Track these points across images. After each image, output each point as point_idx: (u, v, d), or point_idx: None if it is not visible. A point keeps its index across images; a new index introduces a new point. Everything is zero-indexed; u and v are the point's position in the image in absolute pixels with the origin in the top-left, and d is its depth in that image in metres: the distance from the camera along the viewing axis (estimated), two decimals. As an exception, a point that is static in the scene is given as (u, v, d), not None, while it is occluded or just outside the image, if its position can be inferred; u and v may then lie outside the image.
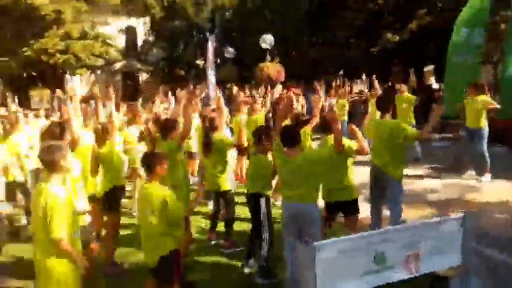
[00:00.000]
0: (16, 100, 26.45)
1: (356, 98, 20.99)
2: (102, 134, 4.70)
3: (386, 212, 5.22)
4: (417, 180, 7.94)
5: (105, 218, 4.92)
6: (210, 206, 6.49)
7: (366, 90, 10.46)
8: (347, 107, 11.88)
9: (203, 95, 26.27)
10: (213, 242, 5.53)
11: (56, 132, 4.08)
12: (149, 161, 3.64)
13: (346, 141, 4.40)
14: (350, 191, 4.60)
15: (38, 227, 3.03)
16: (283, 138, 4.03)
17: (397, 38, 15.54)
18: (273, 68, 12.99)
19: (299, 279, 3.37)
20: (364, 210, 6.16)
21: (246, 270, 4.69)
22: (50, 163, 3.05)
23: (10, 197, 6.05)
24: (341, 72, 24.21)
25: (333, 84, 25.74)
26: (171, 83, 26.81)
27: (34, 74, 24.51)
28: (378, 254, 3.54)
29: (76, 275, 3.09)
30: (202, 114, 7.41)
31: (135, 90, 28.86)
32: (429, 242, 3.64)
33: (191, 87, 28.24)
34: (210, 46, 13.78)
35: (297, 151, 3.99)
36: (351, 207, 4.63)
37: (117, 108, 9.24)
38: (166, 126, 4.76)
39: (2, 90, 28.60)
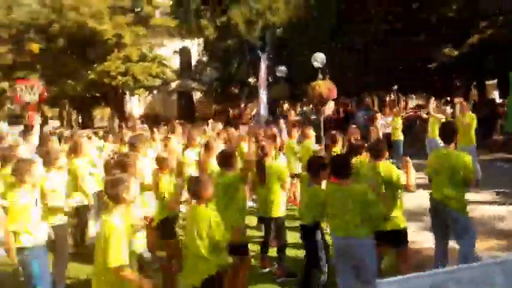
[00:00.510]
0: (80, 119, 27.86)
1: (411, 113, 20.27)
2: (163, 163, 4.83)
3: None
4: (479, 206, 7.38)
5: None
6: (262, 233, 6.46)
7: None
8: (401, 125, 11.46)
9: (253, 112, 26.41)
10: (266, 270, 5.47)
11: (122, 163, 4.23)
12: (194, 187, 3.66)
13: (395, 173, 4.30)
14: (398, 220, 4.40)
15: (98, 259, 3.13)
16: (335, 167, 3.90)
17: (456, 52, 14.86)
18: (324, 86, 12.85)
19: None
20: (424, 239, 5.91)
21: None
22: (113, 196, 3.19)
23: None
24: (395, 87, 23.53)
25: (387, 99, 24.97)
26: (224, 102, 27.48)
27: (97, 94, 26.07)
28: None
29: None
30: (255, 136, 7.48)
31: (190, 109, 29.79)
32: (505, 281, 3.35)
33: (242, 105, 28.59)
34: (263, 65, 13.94)
35: (348, 181, 3.88)
36: (400, 238, 4.42)
37: (172, 130, 9.58)
38: (226, 157, 4.70)
39: (67, 110, 30.66)
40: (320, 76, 13.01)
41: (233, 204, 4.41)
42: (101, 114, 35.30)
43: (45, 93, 10.37)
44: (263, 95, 13.45)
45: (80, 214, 6.18)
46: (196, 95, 30.89)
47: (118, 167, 4.24)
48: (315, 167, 4.49)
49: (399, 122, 11.52)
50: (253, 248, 6.08)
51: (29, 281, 3.77)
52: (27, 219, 3.74)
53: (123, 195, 3.17)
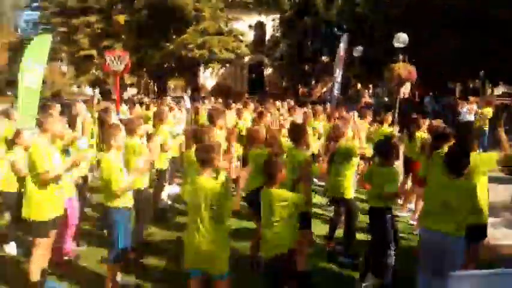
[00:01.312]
0: (156, 88, 29.13)
1: (498, 102, 18.72)
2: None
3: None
4: None
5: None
6: (331, 213, 6.46)
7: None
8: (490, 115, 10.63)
9: (323, 90, 25.89)
10: (331, 249, 5.49)
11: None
12: (270, 170, 3.68)
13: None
14: (482, 214, 4.18)
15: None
16: (451, 163, 3.68)
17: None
18: (404, 68, 12.28)
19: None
20: (501, 236, 5.57)
21: (363, 285, 4.55)
22: (205, 160, 3.49)
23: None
24: (481, 73, 21.79)
25: (470, 86, 23.25)
26: (294, 79, 27.31)
27: (173, 65, 27.10)
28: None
29: None
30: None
31: (260, 84, 30.00)
32: None
33: (313, 83, 28.16)
34: (342, 44, 13.54)
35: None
36: (481, 233, 4.21)
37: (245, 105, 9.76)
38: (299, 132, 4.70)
39: (145, 79, 32.26)
40: (400, 57, 12.44)
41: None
42: (175, 85, 36.73)
43: (130, 65, 10.94)
44: (338, 75, 13.13)
45: (159, 177, 6.57)
46: (268, 71, 30.96)
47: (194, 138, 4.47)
48: (387, 148, 4.38)
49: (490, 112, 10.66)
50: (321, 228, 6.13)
51: (112, 238, 4.09)
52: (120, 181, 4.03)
53: (215, 160, 3.51)
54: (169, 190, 7.54)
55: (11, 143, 5.10)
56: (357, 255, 5.12)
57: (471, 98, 12.00)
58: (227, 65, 28.25)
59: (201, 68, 28.51)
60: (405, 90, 14.37)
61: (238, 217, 5.99)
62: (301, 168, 4.29)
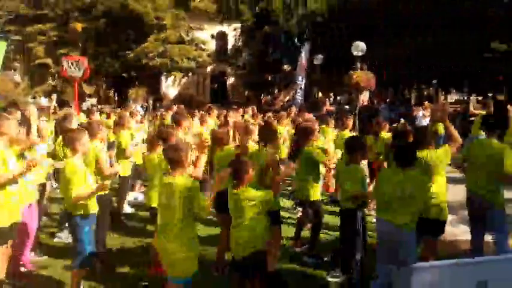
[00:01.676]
0: (116, 98, 28.53)
1: (452, 110, 19.66)
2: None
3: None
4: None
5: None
6: (298, 214, 6.53)
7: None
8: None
9: (286, 99, 26.26)
10: (297, 249, 5.54)
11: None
12: (237, 170, 3.66)
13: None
14: (443, 211, 4.37)
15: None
16: (399, 154, 3.89)
17: (506, 46, 14.31)
18: (364, 76, 12.70)
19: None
20: (459, 232, 5.82)
21: (331, 280, 4.61)
22: (174, 160, 3.46)
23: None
24: (434, 81, 22.86)
25: (424, 94, 24.28)
26: (257, 88, 27.53)
27: (134, 75, 26.66)
28: (480, 283, 3.30)
29: None
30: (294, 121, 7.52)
31: (223, 93, 30.03)
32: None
33: (276, 92, 28.43)
34: (304, 54, 13.85)
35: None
36: (440, 228, 4.39)
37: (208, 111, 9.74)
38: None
39: (104, 89, 31.48)
40: (358, 65, 12.85)
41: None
42: (135, 95, 36.07)
43: (89, 70, 10.66)
44: (301, 82, 13.39)
45: (122, 183, 6.43)
46: (230, 80, 31.06)
47: (160, 138, 4.43)
48: (353, 146, 4.50)
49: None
50: (287, 230, 6.18)
51: (77, 243, 3.95)
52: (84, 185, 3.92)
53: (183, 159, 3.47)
54: (132, 197, 7.39)
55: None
56: (320, 256, 5.20)
57: (426, 103, 12.53)
58: (189, 74, 28.11)
59: (163, 78, 28.21)
60: (364, 97, 14.81)
61: (205, 224, 5.95)
62: (270, 164, 4.33)
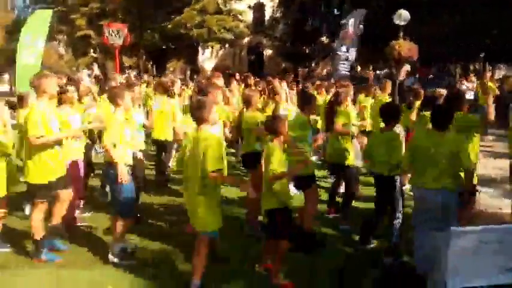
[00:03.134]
0: (154, 70, 28.96)
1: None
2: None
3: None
4: None
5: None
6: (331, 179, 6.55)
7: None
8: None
9: (324, 72, 25.66)
10: (330, 216, 5.58)
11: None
12: (272, 124, 3.83)
13: None
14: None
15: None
16: (435, 116, 3.84)
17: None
18: (406, 45, 12.16)
19: (431, 264, 3.24)
20: (503, 205, 5.68)
21: (368, 247, 4.65)
22: (199, 117, 3.56)
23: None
24: (482, 55, 21.67)
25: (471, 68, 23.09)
26: (294, 60, 27.14)
27: (172, 46, 26.91)
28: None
29: None
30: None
31: (259, 65, 29.84)
32: None
33: (313, 64, 27.74)
34: (350, 25, 13.23)
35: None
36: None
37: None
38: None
39: (144, 61, 32.04)
40: (401, 35, 12.31)
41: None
42: (173, 67, 36.53)
43: (129, 39, 10.84)
44: (345, 53, 12.82)
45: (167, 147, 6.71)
46: (267, 52, 30.76)
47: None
48: (388, 113, 4.46)
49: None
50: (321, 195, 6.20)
51: (116, 196, 4.14)
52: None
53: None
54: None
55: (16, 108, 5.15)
56: (355, 223, 5.20)
57: (471, 76, 11.95)
58: (226, 46, 28.06)
59: (200, 50, 28.32)
60: (405, 69, 14.22)
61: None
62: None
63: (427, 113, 4.89)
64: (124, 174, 3.98)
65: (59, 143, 4.18)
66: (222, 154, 3.53)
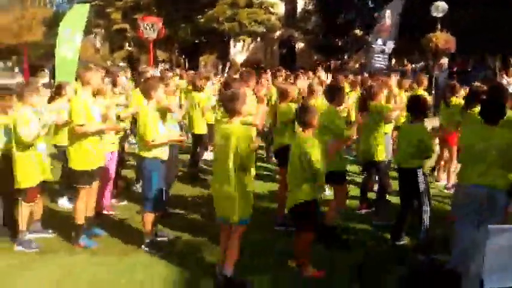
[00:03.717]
0: (187, 64, 29.22)
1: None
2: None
3: None
4: None
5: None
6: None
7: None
8: None
9: (357, 65, 25.22)
10: (363, 211, 5.49)
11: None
12: (304, 115, 3.79)
13: None
14: None
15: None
16: (485, 111, 3.68)
17: None
18: (442, 37, 11.78)
19: (466, 262, 3.14)
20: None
21: (398, 243, 4.56)
22: (230, 109, 3.58)
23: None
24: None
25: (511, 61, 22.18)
26: (327, 53, 26.78)
27: (204, 40, 27.11)
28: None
29: None
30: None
31: (291, 58, 29.62)
32: None
33: (346, 57, 27.25)
34: (387, 17, 12.82)
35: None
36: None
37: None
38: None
39: (176, 55, 32.47)
40: (438, 27, 11.94)
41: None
42: (205, 61, 36.81)
43: (163, 32, 11.01)
44: (381, 46, 12.47)
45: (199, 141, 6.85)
46: (299, 45, 30.47)
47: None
48: (415, 105, 4.39)
49: None
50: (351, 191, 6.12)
51: (147, 188, 4.22)
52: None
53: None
54: (206, 155, 7.67)
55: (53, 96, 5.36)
56: (388, 218, 5.10)
57: (511, 69, 11.40)
58: (258, 39, 27.99)
59: (232, 43, 28.38)
60: (443, 62, 13.78)
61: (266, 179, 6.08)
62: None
63: (475, 110, 4.67)
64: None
65: (100, 133, 4.32)
66: (252, 147, 3.53)
